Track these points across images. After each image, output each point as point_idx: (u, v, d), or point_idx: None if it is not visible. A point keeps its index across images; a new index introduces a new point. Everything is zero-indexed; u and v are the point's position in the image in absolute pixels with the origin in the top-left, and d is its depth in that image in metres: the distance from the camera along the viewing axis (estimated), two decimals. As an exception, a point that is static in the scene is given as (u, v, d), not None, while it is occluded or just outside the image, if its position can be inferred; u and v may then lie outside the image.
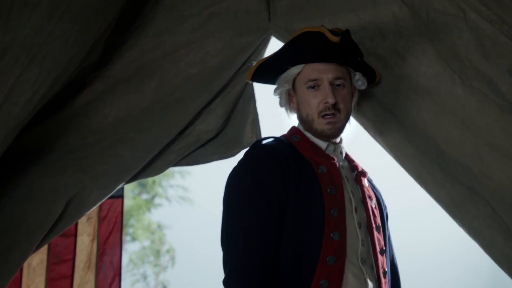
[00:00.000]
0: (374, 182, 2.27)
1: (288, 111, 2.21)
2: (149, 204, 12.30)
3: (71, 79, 2.34)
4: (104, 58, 2.47)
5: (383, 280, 2.04)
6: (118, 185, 2.54)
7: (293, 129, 2.18)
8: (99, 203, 2.56)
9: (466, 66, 2.12)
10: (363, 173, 2.16)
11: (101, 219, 3.33)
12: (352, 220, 2.02)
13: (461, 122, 2.14)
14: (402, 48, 2.24)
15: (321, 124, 2.08)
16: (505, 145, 2.05)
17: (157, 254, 12.32)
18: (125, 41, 2.52)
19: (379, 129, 2.36)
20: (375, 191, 2.22)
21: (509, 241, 2.08)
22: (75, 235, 3.26)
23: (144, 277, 12.15)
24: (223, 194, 2.01)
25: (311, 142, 2.11)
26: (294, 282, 1.91)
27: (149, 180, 11.85)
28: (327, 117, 2.07)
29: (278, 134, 2.17)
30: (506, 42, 2.03)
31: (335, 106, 2.06)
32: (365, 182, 2.16)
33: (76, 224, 3.26)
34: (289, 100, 2.19)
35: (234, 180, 2.01)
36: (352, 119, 2.18)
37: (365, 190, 2.13)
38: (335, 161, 2.09)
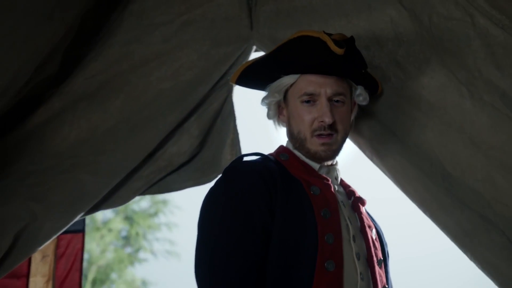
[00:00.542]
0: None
1: (277, 124, 2.02)
2: (133, 258, 12.16)
3: (24, 95, 2.20)
4: (64, 71, 2.32)
5: None
6: (76, 216, 2.34)
7: (281, 147, 1.99)
8: (54, 237, 2.38)
9: (475, 77, 1.98)
10: (361, 200, 1.96)
11: (58, 257, 3.09)
12: (350, 250, 1.80)
13: (470, 141, 2.00)
14: (401, 58, 2.10)
15: (314, 145, 1.89)
16: (522, 166, 1.92)
17: (141, 313, 12.07)
18: (88, 52, 2.36)
19: (376, 148, 2.19)
20: (374, 223, 2.02)
21: (530, 277, 1.95)
22: (27, 275, 3.00)
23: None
24: (198, 218, 1.80)
25: (301, 160, 1.91)
26: None
27: (133, 232, 11.85)
28: (322, 137, 1.88)
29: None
30: (522, 49, 1.93)
31: (332, 126, 1.87)
32: (363, 210, 1.96)
33: (29, 263, 3.01)
34: (279, 112, 1.99)
35: (209, 201, 1.80)
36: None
37: (364, 218, 1.92)
38: (330, 182, 1.89)
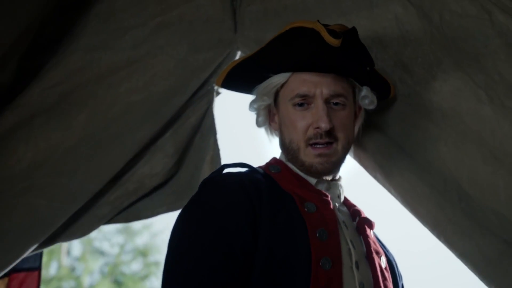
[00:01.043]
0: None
1: (269, 132, 1.79)
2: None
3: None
4: (19, 83, 2.15)
5: None
6: (28, 248, 2.12)
7: (272, 159, 1.74)
8: (2, 273, 2.15)
9: (495, 81, 1.80)
10: (368, 222, 1.70)
11: (8, 300, 2.89)
12: (352, 278, 1.55)
13: (491, 154, 1.82)
14: (408, 59, 1.93)
15: (309, 156, 1.64)
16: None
17: None
18: (47, 60, 2.18)
19: (380, 164, 2.01)
20: (385, 250, 1.77)
21: None
22: (-30, 323, 2.73)
23: None
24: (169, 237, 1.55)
25: (295, 173, 1.66)
26: None
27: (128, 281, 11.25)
28: (318, 146, 1.63)
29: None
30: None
31: (330, 133, 1.63)
32: (370, 233, 1.69)
33: (-25, 305, 2.76)
34: (270, 118, 1.76)
35: (182, 218, 1.56)
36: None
37: (371, 242, 1.66)
38: (329, 198, 1.63)
